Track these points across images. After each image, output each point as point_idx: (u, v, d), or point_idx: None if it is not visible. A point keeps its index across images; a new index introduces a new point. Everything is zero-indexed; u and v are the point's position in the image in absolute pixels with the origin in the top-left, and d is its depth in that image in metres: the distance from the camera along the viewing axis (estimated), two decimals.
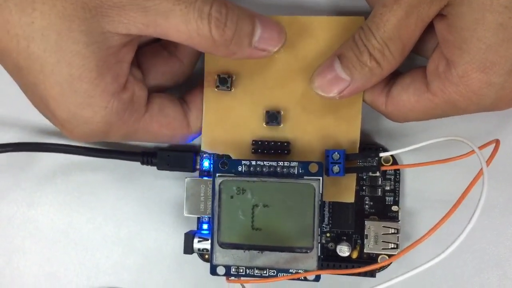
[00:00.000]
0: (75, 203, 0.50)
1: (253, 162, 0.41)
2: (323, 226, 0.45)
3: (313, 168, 0.41)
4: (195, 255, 0.46)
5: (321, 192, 0.40)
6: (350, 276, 0.46)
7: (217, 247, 0.42)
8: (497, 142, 0.39)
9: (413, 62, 0.43)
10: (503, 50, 0.36)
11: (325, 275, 0.43)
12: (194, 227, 0.47)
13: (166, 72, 0.44)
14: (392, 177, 0.45)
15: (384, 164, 0.44)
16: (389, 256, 0.44)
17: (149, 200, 0.49)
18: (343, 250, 0.45)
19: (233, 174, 0.42)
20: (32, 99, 0.40)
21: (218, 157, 0.43)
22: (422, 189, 0.46)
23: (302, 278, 0.41)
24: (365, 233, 0.44)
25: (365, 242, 0.44)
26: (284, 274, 0.41)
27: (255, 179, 0.41)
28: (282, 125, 0.44)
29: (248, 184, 0.41)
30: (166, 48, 0.44)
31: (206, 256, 0.46)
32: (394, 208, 0.45)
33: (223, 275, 0.42)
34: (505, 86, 0.37)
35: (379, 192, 0.45)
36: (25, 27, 0.36)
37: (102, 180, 0.49)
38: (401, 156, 0.46)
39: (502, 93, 0.38)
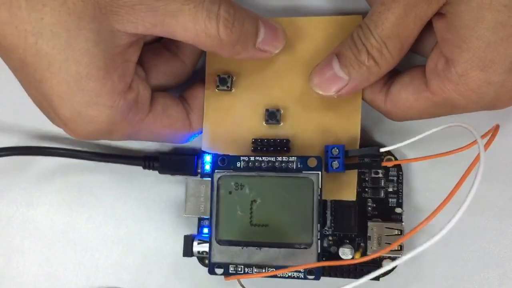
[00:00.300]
0: (74, 203, 0.50)
1: (252, 158, 0.41)
2: (325, 229, 0.44)
3: (312, 162, 0.41)
4: None
5: (320, 186, 0.40)
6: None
7: (215, 244, 0.41)
8: (496, 127, 0.38)
9: (412, 61, 0.43)
10: (503, 48, 0.36)
11: (327, 277, 0.43)
12: (194, 227, 0.46)
13: (168, 72, 0.44)
14: (395, 178, 0.45)
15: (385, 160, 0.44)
16: (393, 258, 0.43)
17: (148, 199, 0.49)
18: (346, 253, 0.44)
19: (231, 170, 0.41)
20: (35, 97, 0.40)
21: (217, 154, 0.43)
22: (426, 190, 0.46)
23: (302, 276, 0.40)
24: (368, 235, 0.43)
25: (368, 244, 0.43)
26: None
27: (253, 173, 0.41)
28: (282, 123, 0.44)
29: (246, 179, 0.41)
30: (168, 48, 0.45)
31: (205, 261, 0.45)
32: (398, 210, 0.44)
33: (221, 274, 0.41)
34: (505, 85, 0.37)
35: (382, 194, 0.45)
36: (35, 23, 0.36)
37: (101, 180, 0.49)
38: (402, 154, 0.45)
39: (501, 91, 0.37)
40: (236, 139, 0.44)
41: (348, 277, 0.44)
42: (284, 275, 0.40)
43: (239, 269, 0.41)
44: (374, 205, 0.45)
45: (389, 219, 0.45)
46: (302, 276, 0.40)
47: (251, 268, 0.41)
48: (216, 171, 0.41)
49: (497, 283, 0.45)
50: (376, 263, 0.44)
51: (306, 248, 0.40)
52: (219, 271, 0.41)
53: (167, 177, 0.48)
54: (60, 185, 0.50)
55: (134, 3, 0.37)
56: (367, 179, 0.45)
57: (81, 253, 0.49)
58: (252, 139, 0.44)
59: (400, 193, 0.45)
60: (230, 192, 0.41)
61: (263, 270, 0.41)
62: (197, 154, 0.46)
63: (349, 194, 0.43)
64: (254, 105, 0.44)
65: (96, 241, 0.49)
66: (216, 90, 0.44)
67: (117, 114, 0.39)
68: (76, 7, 0.36)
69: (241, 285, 0.41)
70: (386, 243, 0.43)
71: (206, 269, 0.42)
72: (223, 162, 0.42)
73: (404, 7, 0.37)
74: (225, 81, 0.44)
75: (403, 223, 0.44)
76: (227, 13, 0.38)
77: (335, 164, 0.41)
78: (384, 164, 0.43)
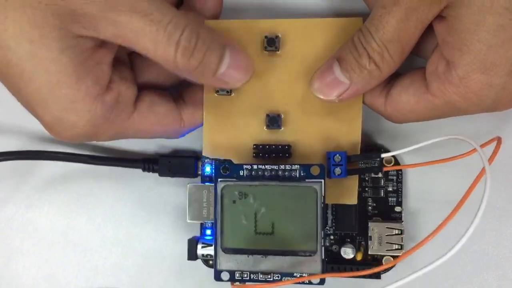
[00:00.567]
0: (74, 204, 0.50)
1: (255, 166, 0.41)
2: (327, 229, 0.45)
3: (315, 170, 0.41)
4: None
5: (323, 194, 0.40)
6: (355, 278, 0.46)
7: (220, 253, 0.41)
8: (498, 139, 0.39)
9: (412, 63, 0.43)
10: (504, 51, 0.36)
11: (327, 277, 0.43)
12: (194, 229, 0.47)
13: (161, 72, 0.44)
14: (395, 178, 0.45)
15: (386, 165, 0.44)
16: (394, 257, 0.44)
17: (148, 201, 0.49)
18: (347, 252, 0.44)
19: (235, 179, 0.41)
20: (21, 103, 0.40)
21: (219, 162, 0.43)
22: (425, 190, 0.46)
23: (307, 281, 0.40)
24: (369, 235, 0.44)
25: (369, 244, 0.44)
26: (289, 278, 0.41)
27: (256, 183, 0.41)
28: (282, 128, 0.44)
29: (250, 188, 0.41)
30: None
31: (210, 262, 0.46)
32: (397, 208, 0.45)
33: (227, 280, 0.42)
34: (506, 87, 0.37)
35: (382, 193, 0.45)
36: (1, 35, 0.36)
37: (101, 182, 0.49)
38: (402, 156, 0.46)
39: (502, 94, 0.38)
40: (237, 144, 0.44)
41: (350, 271, 0.44)
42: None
43: (245, 275, 0.41)
44: (374, 204, 0.45)
45: (389, 217, 0.45)
46: (307, 282, 0.41)
47: (257, 274, 0.41)
48: (219, 180, 0.41)
49: (496, 284, 0.46)
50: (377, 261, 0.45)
51: (310, 255, 0.41)
52: (225, 277, 0.42)
53: (167, 179, 0.47)
54: (60, 187, 0.50)
55: (95, 15, 0.36)
56: (367, 178, 0.46)
57: (80, 254, 0.50)
58: (254, 144, 0.44)
59: (399, 192, 0.45)
60: (234, 201, 0.41)
61: (269, 277, 0.41)
62: (197, 156, 0.46)
63: (351, 198, 0.44)
64: (254, 110, 0.44)
65: (96, 243, 0.49)
66: (216, 95, 0.44)
67: (98, 118, 0.39)
68: (36, 17, 0.36)
69: None
70: (386, 242, 0.44)
71: (206, 270, 0.43)
72: (226, 170, 0.41)
73: (405, 10, 0.36)
74: None
75: (403, 222, 0.45)
76: (188, 42, 0.37)
77: (338, 171, 0.41)
78: (385, 169, 0.44)
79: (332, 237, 0.45)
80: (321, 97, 0.40)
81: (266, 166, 0.41)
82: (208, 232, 0.46)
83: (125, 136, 0.43)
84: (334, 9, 0.45)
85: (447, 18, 0.37)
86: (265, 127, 0.44)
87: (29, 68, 0.37)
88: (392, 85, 0.41)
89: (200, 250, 0.44)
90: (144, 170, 0.47)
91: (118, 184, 0.49)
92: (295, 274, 0.41)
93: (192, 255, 0.44)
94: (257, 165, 0.41)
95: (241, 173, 0.41)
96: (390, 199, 0.45)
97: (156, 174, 0.47)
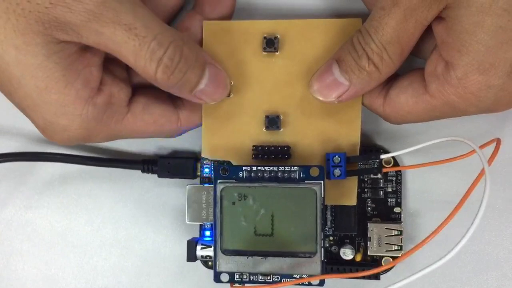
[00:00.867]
0: (73, 205, 0.50)
1: (254, 168, 0.41)
2: (326, 230, 0.45)
3: (314, 172, 0.41)
4: None
5: (322, 196, 0.40)
6: (355, 279, 0.46)
7: (220, 254, 0.41)
8: (497, 141, 0.39)
9: (410, 64, 0.43)
10: (502, 52, 0.36)
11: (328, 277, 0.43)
12: (193, 230, 0.47)
13: None
14: (394, 179, 0.45)
15: (385, 166, 0.44)
16: (393, 258, 0.44)
17: (147, 202, 0.49)
18: (347, 253, 0.44)
19: (234, 180, 0.41)
20: (15, 106, 0.40)
21: (218, 164, 0.43)
22: (424, 190, 0.46)
23: (306, 283, 0.41)
24: (368, 236, 0.44)
25: (368, 245, 0.44)
26: (288, 279, 0.41)
27: (256, 184, 0.41)
28: (282, 129, 0.43)
29: (250, 190, 0.41)
30: None
31: (210, 263, 0.46)
32: (397, 209, 0.45)
33: (227, 282, 0.42)
34: (504, 88, 0.37)
35: (381, 194, 0.45)
36: None
37: (100, 183, 0.49)
38: (402, 157, 0.46)
39: (501, 95, 0.38)
40: (236, 145, 0.44)
41: (350, 271, 0.44)
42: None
43: (245, 277, 0.41)
44: (374, 205, 0.45)
45: (388, 218, 0.45)
46: (307, 283, 0.41)
47: (256, 276, 0.41)
48: (219, 181, 0.41)
49: (496, 284, 0.46)
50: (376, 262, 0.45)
51: (310, 257, 0.41)
52: (224, 278, 0.42)
53: (166, 181, 0.47)
54: (59, 188, 0.49)
55: (78, 24, 0.36)
56: (366, 179, 0.45)
57: (79, 256, 0.50)
58: (253, 146, 0.43)
59: (399, 193, 0.45)
60: (233, 203, 0.41)
61: (269, 278, 0.41)
62: (196, 157, 0.46)
63: (350, 199, 0.44)
64: (253, 111, 0.44)
65: (95, 244, 0.49)
66: None
67: (89, 120, 0.39)
68: (20, 23, 0.36)
69: None
70: (386, 243, 0.44)
71: (205, 271, 0.43)
72: (225, 172, 0.41)
73: (404, 12, 0.36)
74: None
75: (402, 223, 0.45)
76: (170, 61, 0.37)
77: (337, 172, 0.42)
78: (385, 170, 0.44)
79: (331, 238, 0.45)
80: (321, 98, 0.40)
81: (266, 168, 0.41)
82: (207, 233, 0.46)
83: (120, 136, 0.43)
84: (333, 10, 0.45)
85: (446, 19, 0.37)
86: (264, 128, 0.44)
87: (16, 74, 0.37)
88: (391, 86, 0.41)
89: (200, 251, 0.44)
90: (143, 171, 0.47)
91: (117, 185, 0.49)
92: (294, 276, 0.41)
93: (192, 256, 0.44)
94: (257, 166, 0.41)
95: (240, 174, 0.41)
96: (389, 200, 0.45)
97: (155, 175, 0.47)
